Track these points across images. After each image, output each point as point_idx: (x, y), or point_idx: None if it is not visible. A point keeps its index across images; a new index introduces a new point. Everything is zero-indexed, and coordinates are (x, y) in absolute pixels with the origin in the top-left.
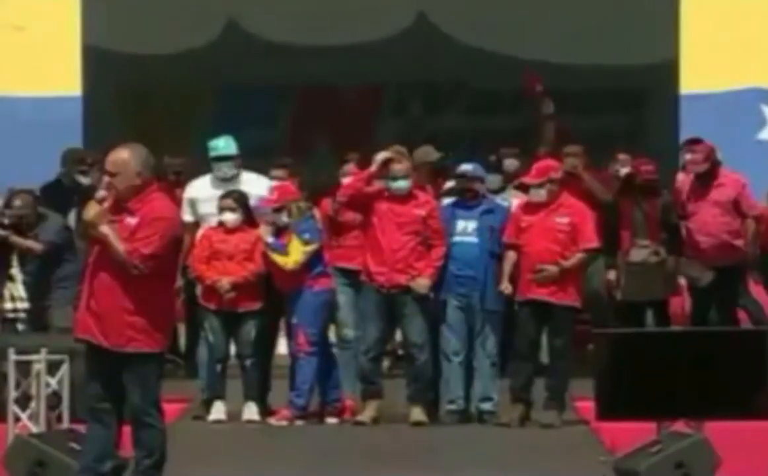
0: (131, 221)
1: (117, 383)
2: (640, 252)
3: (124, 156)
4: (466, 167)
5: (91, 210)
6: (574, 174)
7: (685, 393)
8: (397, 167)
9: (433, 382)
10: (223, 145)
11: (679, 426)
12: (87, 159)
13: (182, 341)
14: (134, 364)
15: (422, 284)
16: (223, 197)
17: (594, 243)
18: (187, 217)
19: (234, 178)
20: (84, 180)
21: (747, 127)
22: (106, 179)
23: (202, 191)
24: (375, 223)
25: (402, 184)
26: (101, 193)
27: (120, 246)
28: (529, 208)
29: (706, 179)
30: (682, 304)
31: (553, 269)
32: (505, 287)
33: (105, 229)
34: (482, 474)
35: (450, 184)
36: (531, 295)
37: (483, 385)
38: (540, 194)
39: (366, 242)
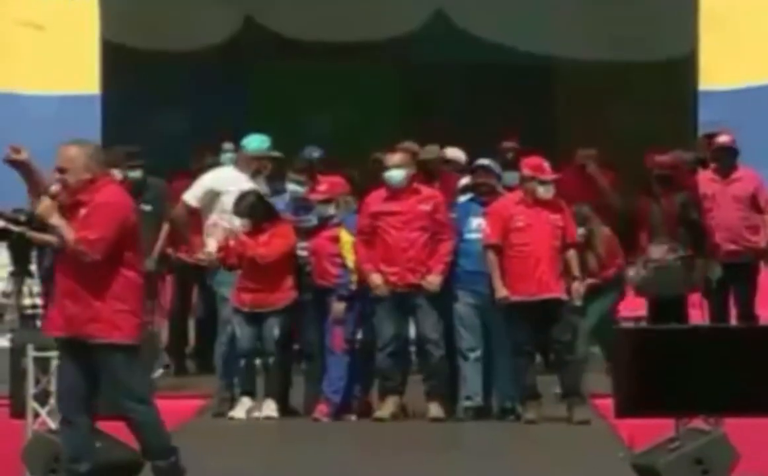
0: (83, 211)
1: (89, 376)
2: (659, 250)
3: (73, 152)
4: (482, 161)
5: (42, 204)
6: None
7: (704, 390)
8: (391, 159)
9: (449, 379)
10: (256, 146)
11: (698, 422)
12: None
13: (191, 335)
14: (103, 355)
15: (433, 281)
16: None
17: (575, 239)
18: (192, 202)
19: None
20: (134, 174)
21: (765, 123)
22: (57, 175)
23: (229, 185)
24: (381, 226)
25: (393, 174)
26: (54, 188)
27: (70, 235)
28: (523, 206)
29: (727, 172)
30: (699, 301)
31: (580, 287)
32: (507, 294)
33: (55, 220)
34: (499, 469)
35: (465, 180)
36: (546, 294)
37: (504, 381)
38: (551, 191)
39: (376, 244)
